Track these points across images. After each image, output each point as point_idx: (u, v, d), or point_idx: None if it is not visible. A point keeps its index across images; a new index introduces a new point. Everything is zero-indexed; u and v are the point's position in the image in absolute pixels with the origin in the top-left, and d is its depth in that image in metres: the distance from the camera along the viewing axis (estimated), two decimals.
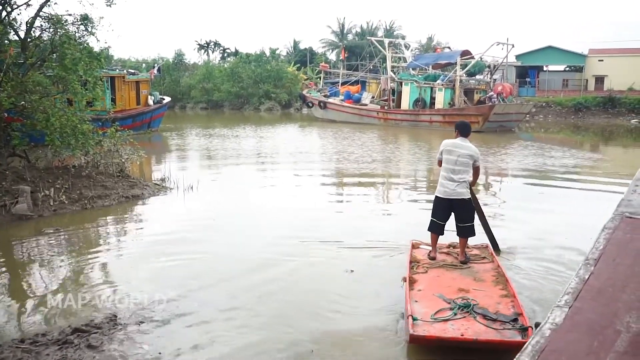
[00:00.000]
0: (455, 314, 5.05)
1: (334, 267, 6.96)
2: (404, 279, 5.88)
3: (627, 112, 38.88)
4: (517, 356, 2.11)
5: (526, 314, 5.02)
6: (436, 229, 6.65)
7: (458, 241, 6.79)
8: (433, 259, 6.64)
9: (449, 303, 5.29)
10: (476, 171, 6.63)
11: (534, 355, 2.10)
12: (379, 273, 6.73)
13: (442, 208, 6.58)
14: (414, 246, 7.14)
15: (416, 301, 5.37)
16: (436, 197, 6.65)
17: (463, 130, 6.59)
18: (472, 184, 6.73)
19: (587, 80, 46.91)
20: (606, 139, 28.39)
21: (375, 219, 9.83)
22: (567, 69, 50.77)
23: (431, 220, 6.71)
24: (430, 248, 6.85)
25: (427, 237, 6.89)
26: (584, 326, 2.32)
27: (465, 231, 6.55)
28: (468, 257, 6.59)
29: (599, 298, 2.56)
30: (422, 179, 15.04)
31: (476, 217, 6.96)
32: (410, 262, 6.51)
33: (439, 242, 6.83)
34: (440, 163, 6.66)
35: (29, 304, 5.74)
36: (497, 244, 7.50)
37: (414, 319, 4.86)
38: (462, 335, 4.70)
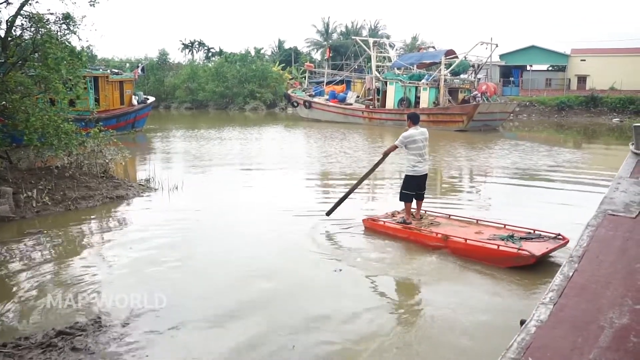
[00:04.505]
0: (515, 243, 6.93)
1: (322, 263, 6.99)
2: (445, 236, 7.37)
3: (609, 111, 39.48)
4: (503, 353, 2.12)
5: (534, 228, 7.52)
6: (410, 199, 8.34)
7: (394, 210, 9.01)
8: (409, 223, 8.16)
9: (494, 240, 7.11)
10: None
11: (519, 352, 2.12)
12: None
13: (416, 182, 8.26)
14: (375, 220, 8.49)
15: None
16: (410, 176, 8.22)
17: (416, 120, 8.22)
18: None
19: (569, 79, 47.54)
20: (589, 138, 28.76)
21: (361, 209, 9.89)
22: (550, 68, 51.36)
23: (406, 193, 8.29)
24: (383, 218, 8.58)
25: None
26: (569, 323, 2.35)
27: (423, 195, 8.53)
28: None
29: (583, 295, 2.60)
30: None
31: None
32: (408, 229, 7.94)
33: (378, 215, 8.83)
34: (394, 147, 8.27)
35: (12, 306, 5.65)
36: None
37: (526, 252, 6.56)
38: (547, 248, 6.77)
